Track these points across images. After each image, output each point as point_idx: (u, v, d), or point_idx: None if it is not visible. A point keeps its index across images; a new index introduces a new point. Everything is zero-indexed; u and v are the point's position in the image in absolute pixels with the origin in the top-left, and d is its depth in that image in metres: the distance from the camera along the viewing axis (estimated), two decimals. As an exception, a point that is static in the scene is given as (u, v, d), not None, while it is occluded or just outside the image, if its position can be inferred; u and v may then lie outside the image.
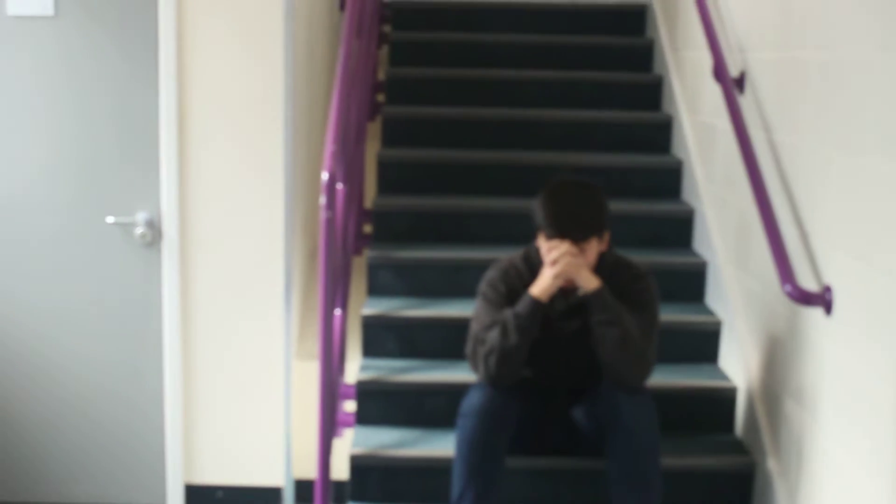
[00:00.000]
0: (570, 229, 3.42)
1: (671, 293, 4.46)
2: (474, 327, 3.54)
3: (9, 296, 4.73)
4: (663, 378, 4.04)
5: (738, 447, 3.90)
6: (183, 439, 4.77)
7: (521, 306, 3.45)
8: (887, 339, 2.76)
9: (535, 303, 3.44)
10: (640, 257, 4.38)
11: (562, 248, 3.41)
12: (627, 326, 3.41)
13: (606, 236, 3.53)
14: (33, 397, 4.80)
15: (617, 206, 4.69)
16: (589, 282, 3.44)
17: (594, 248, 3.47)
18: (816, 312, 3.26)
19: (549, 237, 3.44)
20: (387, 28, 6.07)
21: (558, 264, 3.41)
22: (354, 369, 4.20)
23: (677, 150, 5.11)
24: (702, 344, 4.28)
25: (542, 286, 3.45)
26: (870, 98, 2.94)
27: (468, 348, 3.54)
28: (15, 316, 4.74)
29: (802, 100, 3.49)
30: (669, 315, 4.27)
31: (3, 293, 4.73)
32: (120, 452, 4.83)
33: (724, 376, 4.12)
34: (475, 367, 3.51)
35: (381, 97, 5.62)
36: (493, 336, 3.44)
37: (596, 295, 3.43)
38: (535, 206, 3.50)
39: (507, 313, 3.46)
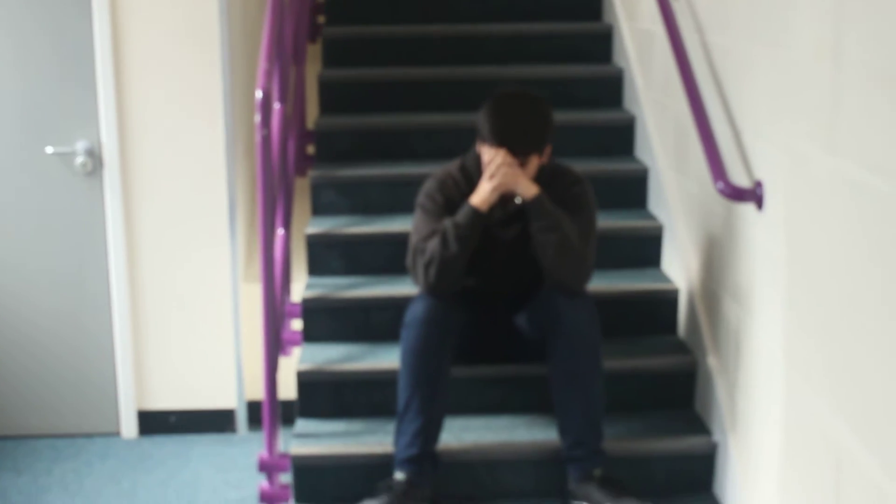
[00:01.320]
0: (514, 143, 3.43)
1: (614, 200, 4.50)
2: (413, 238, 3.55)
3: (-48, 231, 4.72)
4: (607, 283, 4.09)
5: (681, 347, 3.96)
6: (134, 366, 4.79)
7: (461, 216, 3.47)
8: (810, 231, 2.79)
9: (475, 212, 3.46)
10: (583, 165, 4.41)
11: (498, 158, 3.42)
12: (567, 231, 3.44)
13: (548, 149, 3.55)
14: (-18, 331, 4.81)
15: (560, 115, 4.66)
16: (527, 189, 3.45)
17: (535, 161, 3.48)
18: (749, 209, 3.29)
19: (491, 146, 3.44)
20: (325, -52, 6.01)
21: (496, 176, 3.42)
22: (301, 289, 4.21)
23: (618, 58, 5.12)
24: (644, 248, 4.32)
25: (481, 196, 3.47)
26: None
27: (408, 260, 3.56)
28: (-41, 251, 4.74)
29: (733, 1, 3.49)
30: (612, 221, 4.32)
31: (-54, 229, 4.72)
32: (72, 383, 4.85)
33: (666, 279, 4.16)
34: (415, 278, 3.53)
35: (321, 19, 5.58)
36: (433, 246, 3.46)
37: (535, 202, 3.45)
38: (480, 116, 3.50)
39: (447, 223, 3.48)
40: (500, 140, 3.43)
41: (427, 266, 3.47)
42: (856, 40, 2.48)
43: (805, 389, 2.80)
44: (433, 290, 3.48)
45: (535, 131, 3.48)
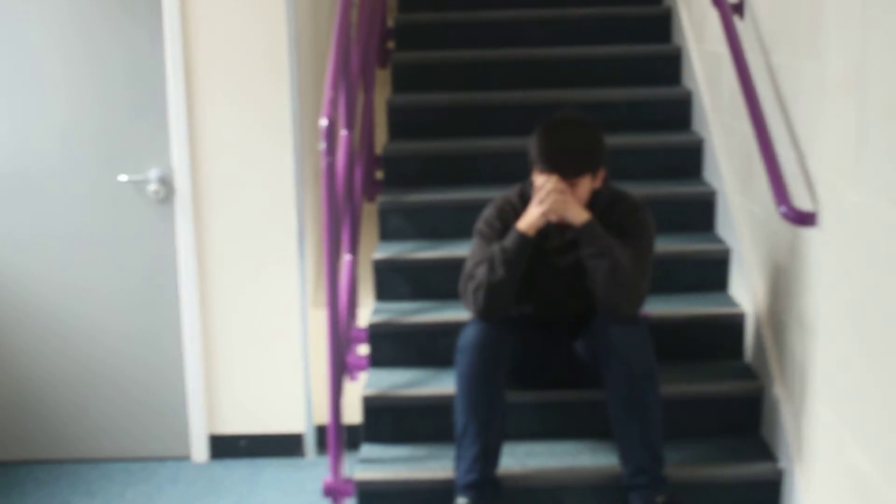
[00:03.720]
0: (562, 165, 3.42)
1: (682, 223, 4.48)
2: (468, 264, 3.57)
3: (28, 257, 4.81)
4: (674, 307, 4.07)
5: (748, 373, 3.92)
6: (204, 391, 4.85)
7: (509, 241, 3.48)
8: (871, 254, 2.76)
9: (522, 237, 3.46)
10: (651, 188, 4.42)
11: (549, 184, 3.42)
12: (618, 258, 3.42)
13: (601, 173, 3.53)
14: (58, 356, 4.89)
15: (628, 138, 4.73)
16: (578, 216, 3.44)
17: (586, 184, 3.47)
18: (815, 233, 3.26)
19: (541, 171, 3.45)
20: (396, -26, 6.06)
21: (545, 202, 3.42)
22: (369, 313, 4.23)
23: (687, 80, 5.09)
24: (712, 272, 4.29)
25: (528, 221, 3.47)
26: (846, 11, 2.91)
27: (460, 285, 3.57)
28: (36, 276, 4.83)
29: (795, 19, 3.46)
30: (679, 245, 4.30)
31: (22, 254, 4.81)
32: (144, 407, 4.92)
33: (733, 303, 4.12)
34: (466, 303, 3.54)
35: (391, 44, 5.63)
36: (482, 271, 3.47)
37: (585, 228, 3.44)
38: (530, 141, 3.51)
39: (495, 248, 3.48)
40: (548, 161, 3.43)
41: (476, 291, 3.47)
42: (879, 75, 2.43)
43: (834, 420, 2.76)
44: (483, 315, 3.48)
45: (583, 152, 3.48)
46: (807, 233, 3.33)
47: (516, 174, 4.42)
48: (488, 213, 3.65)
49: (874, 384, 2.69)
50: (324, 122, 3.64)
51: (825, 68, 3.04)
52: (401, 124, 5.04)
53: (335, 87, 3.82)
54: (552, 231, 3.53)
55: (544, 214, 3.43)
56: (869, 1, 2.47)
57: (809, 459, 3.33)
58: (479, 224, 3.65)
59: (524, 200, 3.62)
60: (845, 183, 2.71)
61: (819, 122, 3.18)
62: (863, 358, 2.78)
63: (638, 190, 4.07)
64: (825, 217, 3.07)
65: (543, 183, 3.44)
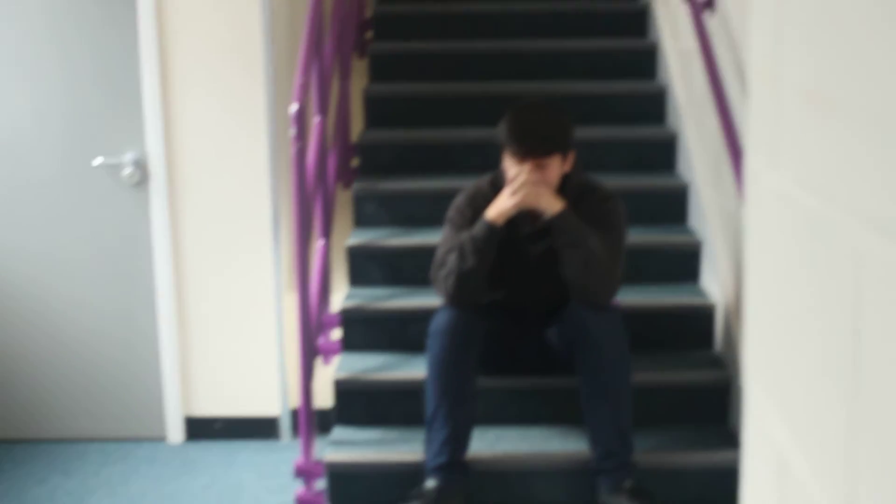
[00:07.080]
0: (532, 144, 3.46)
1: (655, 216, 4.53)
2: (439, 251, 3.61)
3: (1, 236, 4.82)
4: (645, 297, 4.12)
5: (717, 362, 3.97)
6: (180, 373, 4.88)
7: (477, 229, 3.51)
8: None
9: (490, 226, 3.49)
10: (625, 181, 4.47)
11: (523, 175, 3.46)
12: (591, 247, 3.46)
13: (571, 157, 3.57)
14: (30, 339, 4.91)
15: (603, 131, 4.78)
16: (552, 205, 3.48)
17: (556, 166, 3.51)
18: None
19: (512, 154, 3.48)
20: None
21: (518, 193, 3.45)
22: (343, 299, 4.27)
23: (662, 75, 5.14)
24: (683, 264, 4.34)
25: (499, 209, 3.49)
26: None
27: (431, 272, 3.61)
28: (8, 260, 4.84)
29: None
30: (652, 236, 4.35)
31: (-2, 237, 4.84)
32: (121, 389, 4.95)
33: (703, 294, 4.18)
34: (437, 290, 3.58)
35: (369, 35, 5.66)
36: (452, 259, 3.51)
37: (559, 217, 3.47)
38: (499, 127, 3.55)
39: (465, 236, 3.52)
40: (517, 141, 3.46)
41: (446, 278, 3.52)
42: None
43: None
44: (454, 302, 3.52)
45: (552, 131, 3.52)
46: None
47: (490, 163, 4.46)
48: (459, 201, 3.69)
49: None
50: (294, 107, 3.68)
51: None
52: (377, 113, 5.07)
53: (306, 73, 3.86)
54: (523, 219, 3.57)
55: (516, 205, 3.47)
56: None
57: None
58: (450, 212, 3.69)
59: (495, 189, 3.65)
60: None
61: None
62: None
63: (612, 182, 4.11)
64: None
65: (517, 174, 3.47)
